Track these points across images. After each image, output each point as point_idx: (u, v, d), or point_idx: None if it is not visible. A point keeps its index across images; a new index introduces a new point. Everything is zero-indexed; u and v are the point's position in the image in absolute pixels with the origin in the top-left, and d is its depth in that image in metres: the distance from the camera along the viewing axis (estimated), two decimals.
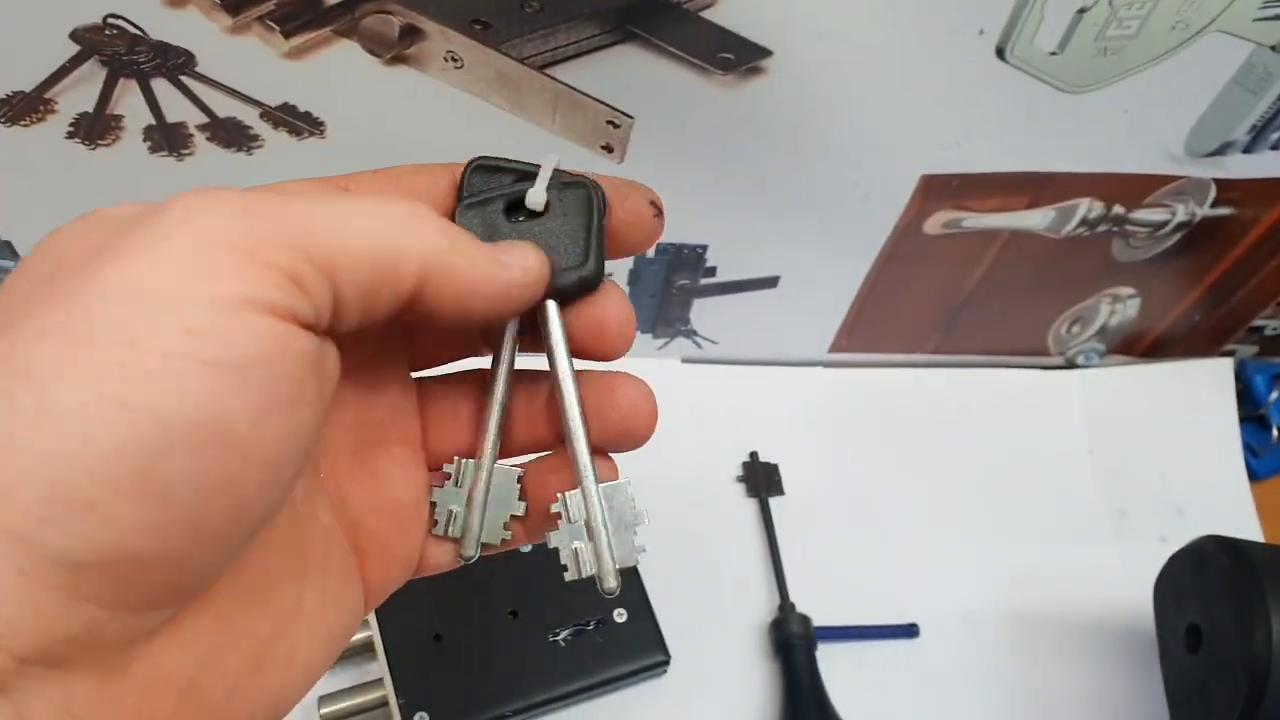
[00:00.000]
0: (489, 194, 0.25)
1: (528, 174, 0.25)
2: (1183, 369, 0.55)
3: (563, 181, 0.25)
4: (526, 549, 0.46)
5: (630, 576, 0.47)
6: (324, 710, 0.43)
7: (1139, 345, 0.56)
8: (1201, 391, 0.55)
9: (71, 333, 0.17)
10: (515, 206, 0.25)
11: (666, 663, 0.45)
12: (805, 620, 0.46)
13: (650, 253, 0.47)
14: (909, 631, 0.47)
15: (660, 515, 0.50)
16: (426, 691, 0.43)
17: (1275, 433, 0.53)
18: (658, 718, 0.45)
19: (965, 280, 0.49)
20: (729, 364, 0.55)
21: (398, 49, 0.38)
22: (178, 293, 0.17)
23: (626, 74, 0.38)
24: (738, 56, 0.37)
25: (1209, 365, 0.55)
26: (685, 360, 0.55)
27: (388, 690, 0.43)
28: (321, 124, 0.41)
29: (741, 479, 0.52)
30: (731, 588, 0.48)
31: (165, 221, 0.18)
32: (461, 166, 0.25)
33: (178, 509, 0.17)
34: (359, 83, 0.39)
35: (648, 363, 0.55)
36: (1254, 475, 0.53)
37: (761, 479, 0.51)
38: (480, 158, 0.25)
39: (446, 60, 0.39)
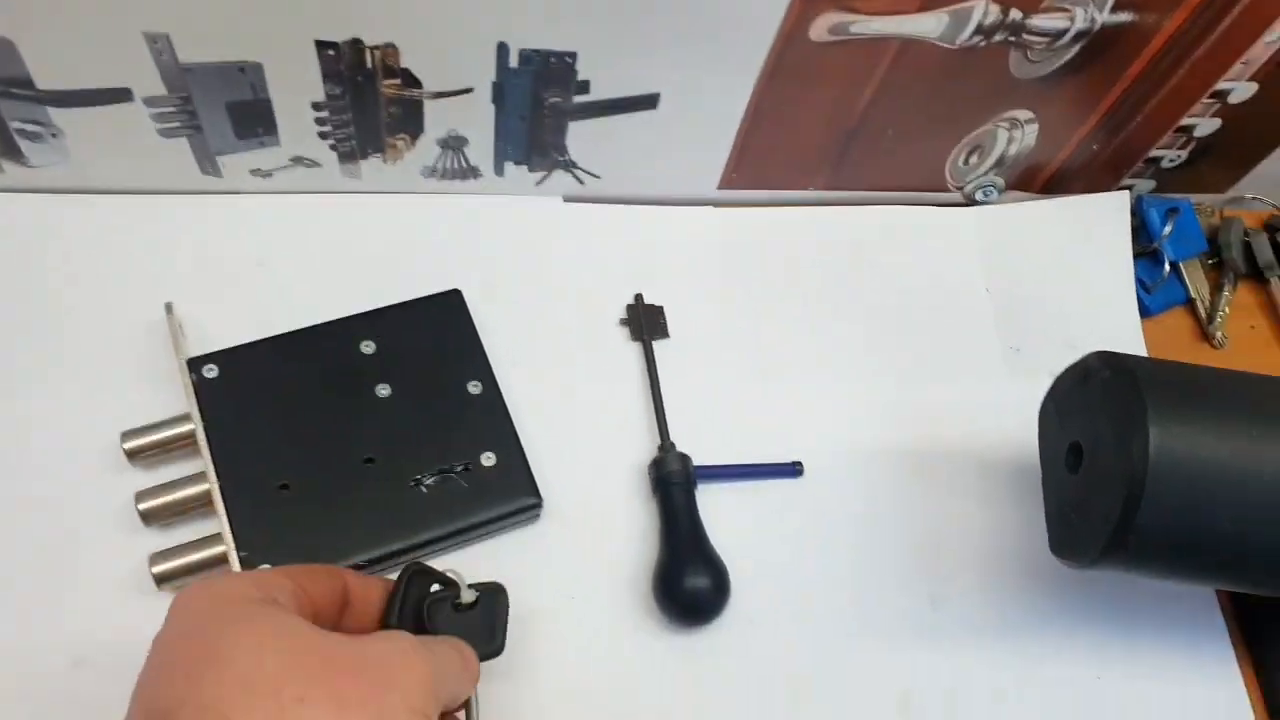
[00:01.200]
0: (432, 596, 0.35)
1: (447, 580, 0.36)
2: (1079, 203, 0.54)
3: (480, 585, 0.36)
4: (385, 393, 0.44)
5: (499, 418, 0.44)
6: (156, 568, 0.39)
7: (1037, 180, 0.54)
8: (1097, 227, 0.53)
9: None
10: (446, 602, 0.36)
11: (538, 506, 0.42)
12: (684, 459, 0.44)
13: (514, 62, 0.43)
14: (793, 470, 0.45)
15: (540, 359, 0.48)
16: (271, 544, 0.39)
17: (1167, 268, 0.52)
18: (533, 562, 0.42)
19: (856, 101, 0.46)
20: (614, 203, 0.52)
21: None
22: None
23: None
24: None
25: (1105, 199, 0.53)
26: (568, 199, 0.51)
27: (227, 544, 0.39)
28: None
29: (625, 322, 0.49)
30: (612, 430, 0.46)
31: (412, 655, 0.30)
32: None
33: None
34: None
35: (528, 201, 0.51)
36: (1145, 310, 0.52)
37: (645, 322, 0.48)
38: (415, 564, 0.36)
39: None
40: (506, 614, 0.36)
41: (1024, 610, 0.44)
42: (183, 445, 0.42)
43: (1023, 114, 0.49)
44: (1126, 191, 0.53)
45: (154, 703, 0.27)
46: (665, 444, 0.45)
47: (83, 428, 0.42)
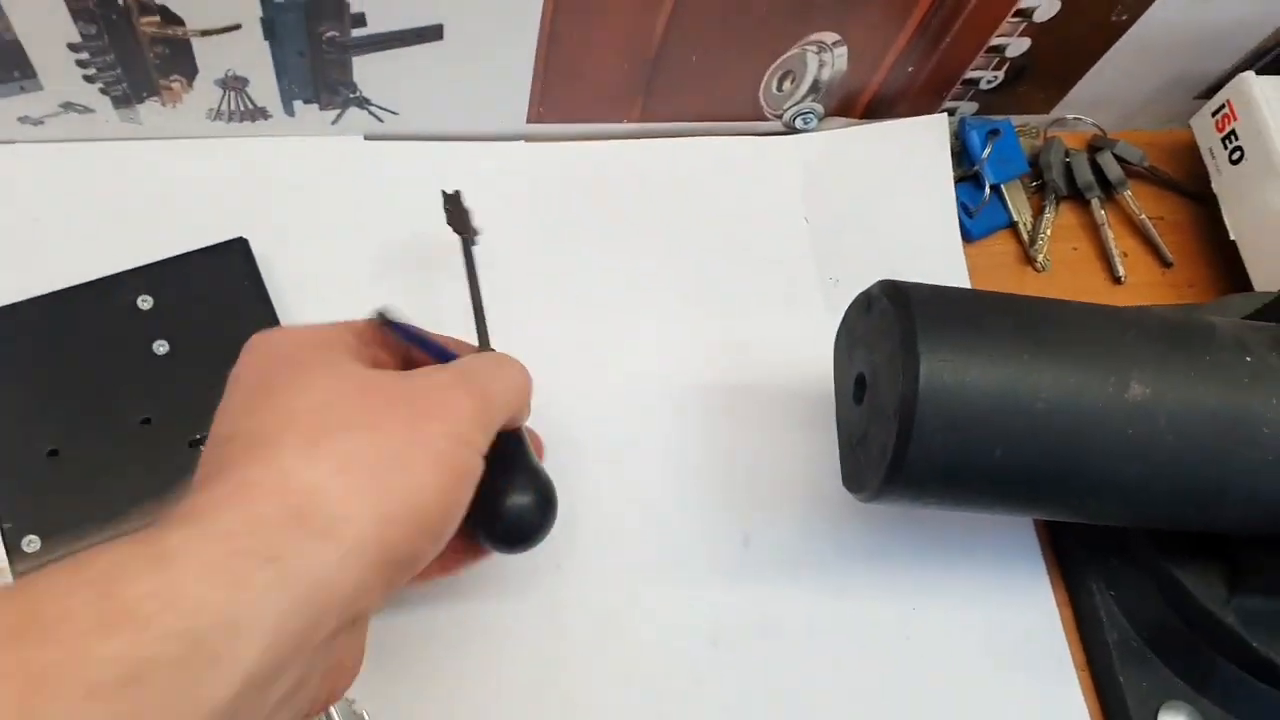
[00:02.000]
0: None
1: None
2: (899, 128, 0.53)
3: None
4: (163, 349, 0.42)
5: None
6: None
7: (858, 105, 0.53)
8: (918, 151, 0.52)
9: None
10: None
11: None
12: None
13: None
14: None
15: (335, 304, 0.45)
16: (39, 513, 0.38)
17: (988, 191, 0.52)
18: None
19: (651, 26, 0.44)
20: (418, 140, 0.49)
21: None
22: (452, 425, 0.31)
23: None
24: None
25: (925, 122, 0.52)
26: (369, 138, 0.49)
27: None
28: None
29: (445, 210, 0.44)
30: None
31: (454, 389, 0.32)
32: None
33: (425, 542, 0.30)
34: None
35: (326, 141, 0.49)
36: (968, 236, 0.52)
37: (462, 219, 0.43)
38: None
39: None
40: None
41: (838, 545, 0.44)
42: None
43: (829, 36, 0.47)
44: (945, 115, 0.53)
45: (218, 430, 0.30)
46: (484, 348, 0.39)
47: None
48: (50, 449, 0.39)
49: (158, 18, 0.41)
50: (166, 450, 0.40)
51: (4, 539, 0.37)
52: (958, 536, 0.46)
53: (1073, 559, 0.46)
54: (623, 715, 0.40)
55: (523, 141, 0.50)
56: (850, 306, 0.40)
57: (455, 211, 0.44)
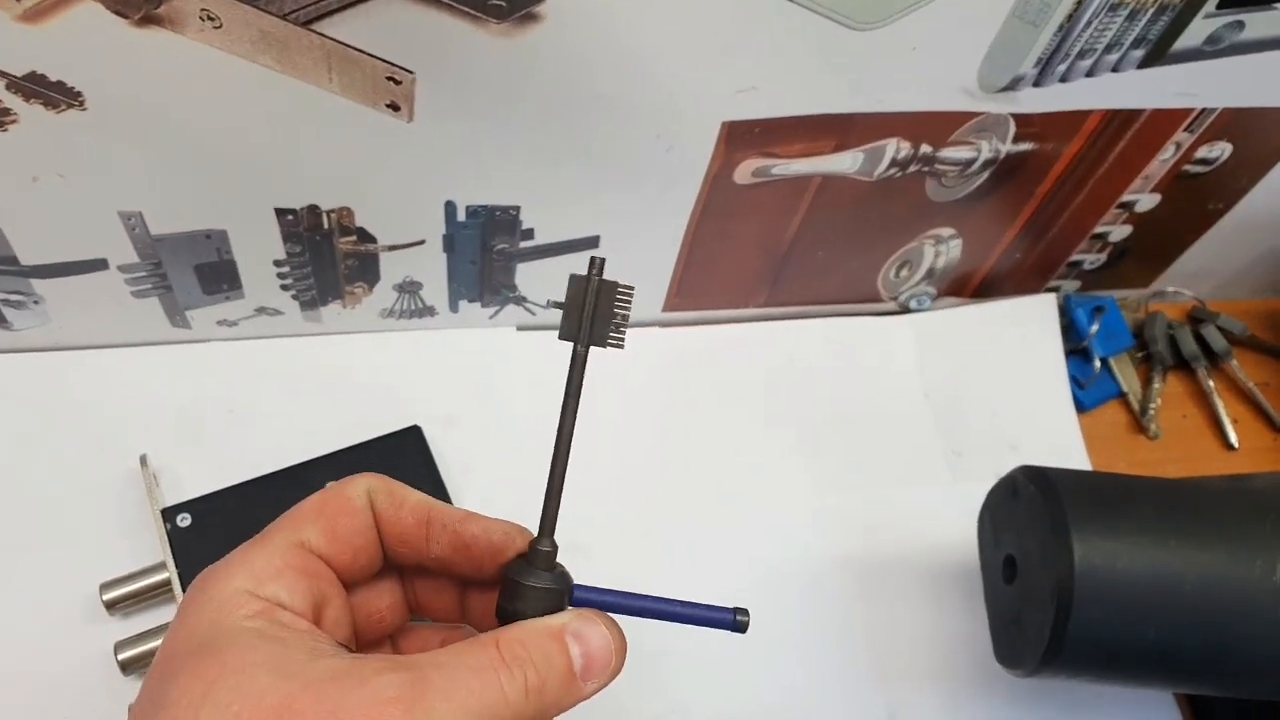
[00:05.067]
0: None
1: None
2: (1010, 307, 0.56)
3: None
4: None
5: None
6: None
7: (968, 287, 0.56)
8: (1028, 328, 0.56)
9: None
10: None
11: None
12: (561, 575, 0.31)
13: (461, 216, 0.46)
14: (733, 621, 0.32)
15: (499, 486, 0.49)
16: None
17: (1097, 364, 0.55)
18: None
19: (785, 229, 0.49)
20: None
21: (145, 8, 0.35)
22: None
23: (398, 26, 0.36)
24: (509, 3, 0.35)
25: (1034, 301, 0.56)
26: (521, 328, 0.54)
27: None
28: (78, 94, 0.38)
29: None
30: None
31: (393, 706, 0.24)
32: None
33: None
34: (110, 48, 0.36)
35: (482, 333, 0.54)
36: (1081, 406, 0.55)
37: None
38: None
39: (203, 19, 0.36)
40: None
41: (982, 718, 0.45)
42: (160, 594, 0.43)
43: (945, 231, 0.52)
44: (1053, 294, 0.56)
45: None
46: (543, 540, 0.30)
47: (63, 580, 0.43)
48: None
49: (355, 237, 0.46)
50: None
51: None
52: (1101, 712, 0.46)
53: None
54: None
55: (657, 327, 0.55)
56: (992, 491, 0.43)
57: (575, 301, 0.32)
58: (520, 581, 0.28)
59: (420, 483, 0.47)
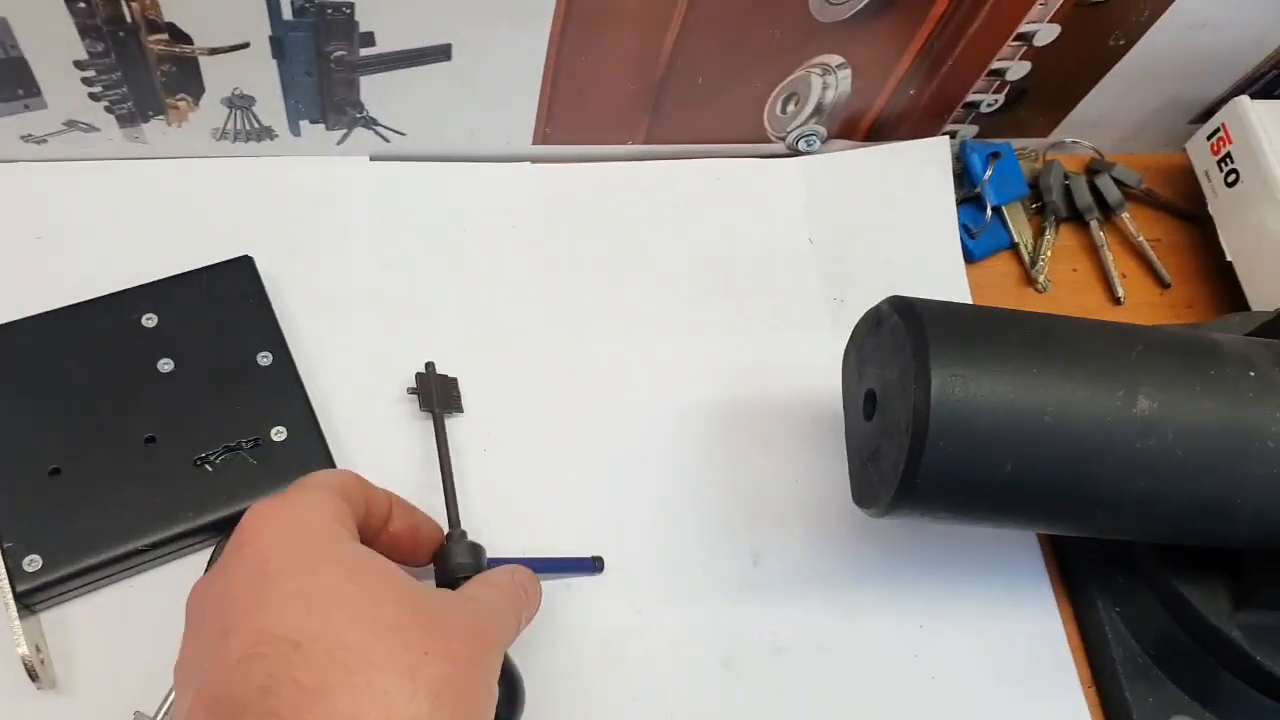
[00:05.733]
0: None
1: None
2: (901, 150, 0.53)
3: None
4: (168, 368, 0.42)
5: (291, 390, 0.42)
6: None
7: (860, 129, 0.53)
8: (920, 172, 0.53)
9: None
10: None
11: None
12: (476, 549, 0.39)
13: (287, 14, 0.40)
14: (590, 565, 0.42)
15: (340, 325, 0.45)
16: (40, 532, 0.37)
17: (989, 212, 0.53)
18: None
19: (658, 47, 0.45)
20: (423, 160, 0.50)
21: None
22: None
23: None
24: None
25: (927, 145, 0.53)
26: (374, 158, 0.49)
27: None
28: None
29: (412, 391, 0.43)
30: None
31: (508, 615, 0.34)
32: None
33: None
34: None
35: (330, 162, 0.49)
36: (970, 256, 0.52)
37: (438, 394, 0.43)
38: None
39: None
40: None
41: (846, 563, 0.44)
42: None
43: (833, 59, 0.48)
44: (946, 137, 0.53)
45: (263, 625, 0.26)
46: (455, 532, 0.39)
47: None
48: (52, 467, 0.38)
49: (166, 35, 0.41)
50: (170, 469, 0.39)
51: (5, 558, 0.36)
52: (964, 554, 0.45)
53: (1078, 576, 0.46)
54: None
55: (528, 163, 0.51)
56: (859, 323, 0.40)
57: (429, 386, 0.43)
58: (458, 561, 0.38)
59: (250, 318, 0.44)
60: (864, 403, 0.39)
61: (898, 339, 0.37)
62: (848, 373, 0.42)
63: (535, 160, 0.51)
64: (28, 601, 0.36)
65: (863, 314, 0.40)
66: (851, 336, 0.41)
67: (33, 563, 0.36)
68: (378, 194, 0.49)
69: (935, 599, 0.44)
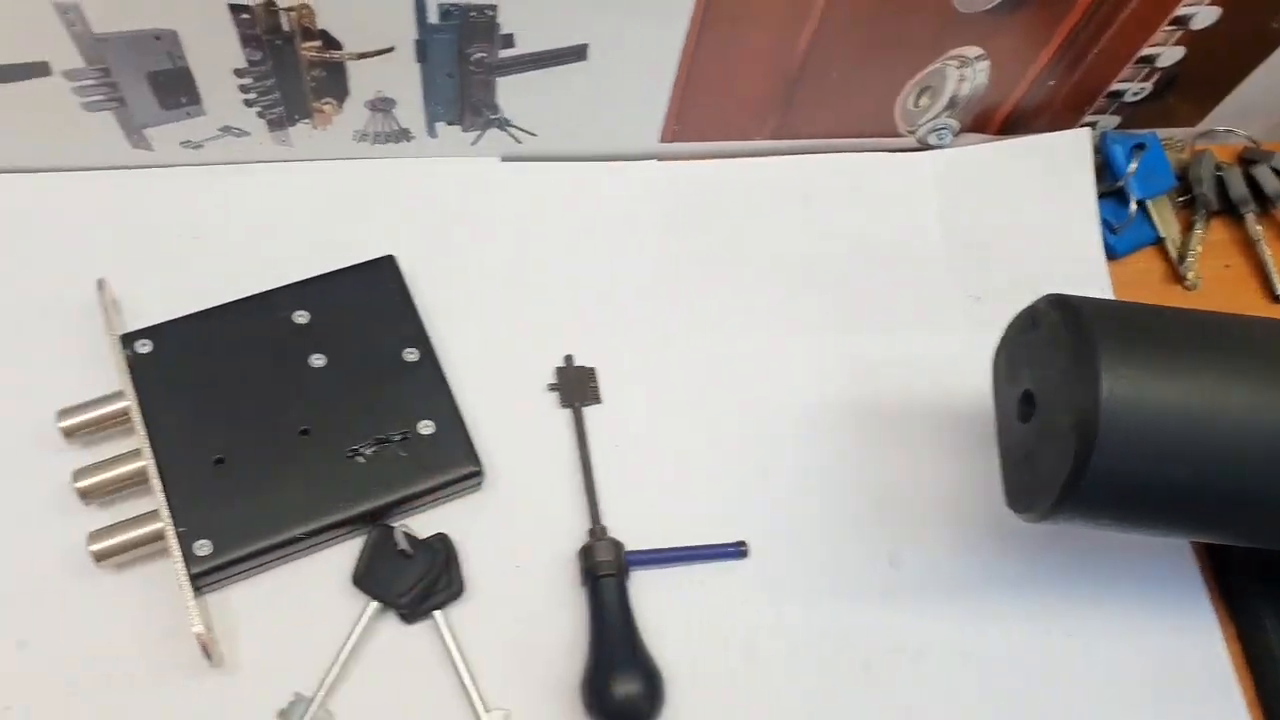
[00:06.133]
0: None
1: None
2: (1039, 143, 0.51)
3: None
4: (320, 363, 0.43)
5: (436, 385, 0.43)
6: (94, 546, 0.39)
7: (995, 120, 0.52)
8: (1059, 166, 0.51)
9: None
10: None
11: (479, 474, 0.41)
12: (617, 546, 0.40)
13: (433, 17, 0.41)
14: (737, 551, 0.42)
15: (478, 321, 0.46)
16: (209, 518, 0.39)
17: (1133, 207, 0.50)
18: (477, 531, 0.41)
19: (794, 44, 0.44)
20: (553, 160, 0.50)
21: None
22: None
23: None
24: None
25: (1065, 138, 0.51)
26: (506, 159, 0.50)
27: (164, 520, 0.39)
28: None
29: (553, 387, 0.45)
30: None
31: None
32: None
33: None
34: None
35: (464, 163, 0.50)
36: (1112, 253, 0.50)
37: (576, 386, 0.44)
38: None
39: None
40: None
41: (989, 567, 0.43)
42: (118, 422, 0.41)
43: (972, 50, 0.46)
44: (1088, 129, 0.51)
45: None
46: (596, 528, 0.41)
47: (19, 407, 0.41)
48: (217, 458, 0.40)
49: (319, 42, 0.42)
50: (324, 461, 0.40)
51: (180, 543, 0.38)
52: (1112, 563, 0.44)
53: (1244, 591, 0.43)
54: None
55: (655, 160, 0.51)
56: (1011, 324, 0.39)
57: (569, 380, 0.44)
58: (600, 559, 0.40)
59: (397, 314, 0.45)
60: (1019, 404, 0.38)
61: (1058, 339, 0.35)
62: (999, 374, 0.40)
63: (661, 158, 0.51)
64: (197, 584, 0.38)
65: (1010, 312, 0.39)
66: (1003, 337, 0.40)
67: (203, 547, 0.38)
68: (511, 193, 0.49)
69: (1083, 609, 0.43)
